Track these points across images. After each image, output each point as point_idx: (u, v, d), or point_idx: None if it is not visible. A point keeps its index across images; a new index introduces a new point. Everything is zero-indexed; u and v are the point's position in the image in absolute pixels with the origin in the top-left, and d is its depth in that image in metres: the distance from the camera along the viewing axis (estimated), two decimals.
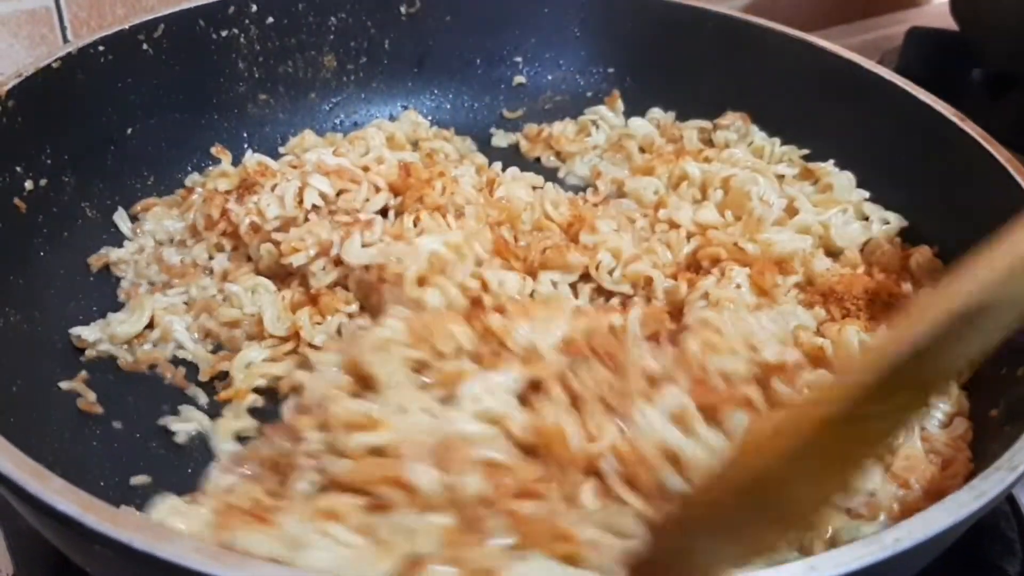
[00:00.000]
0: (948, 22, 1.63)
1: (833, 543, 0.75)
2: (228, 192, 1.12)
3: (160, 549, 0.56)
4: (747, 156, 1.21)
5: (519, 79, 1.43)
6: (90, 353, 0.98)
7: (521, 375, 0.77)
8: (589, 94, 1.43)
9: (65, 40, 1.33)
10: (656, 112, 1.36)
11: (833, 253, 1.09)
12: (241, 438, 0.89)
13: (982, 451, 0.83)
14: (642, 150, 1.29)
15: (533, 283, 1.00)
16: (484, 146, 1.36)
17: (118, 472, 0.87)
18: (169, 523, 0.68)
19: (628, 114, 1.38)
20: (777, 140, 1.26)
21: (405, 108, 1.38)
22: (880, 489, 0.80)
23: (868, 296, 0.98)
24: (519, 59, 1.43)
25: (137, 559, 0.57)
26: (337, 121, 1.36)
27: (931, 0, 2.13)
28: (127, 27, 1.15)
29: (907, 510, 0.78)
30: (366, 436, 0.71)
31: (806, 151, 1.24)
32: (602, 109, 1.37)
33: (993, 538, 0.90)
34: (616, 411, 0.73)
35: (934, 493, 0.76)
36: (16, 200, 1.01)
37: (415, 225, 1.02)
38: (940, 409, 0.91)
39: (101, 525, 0.57)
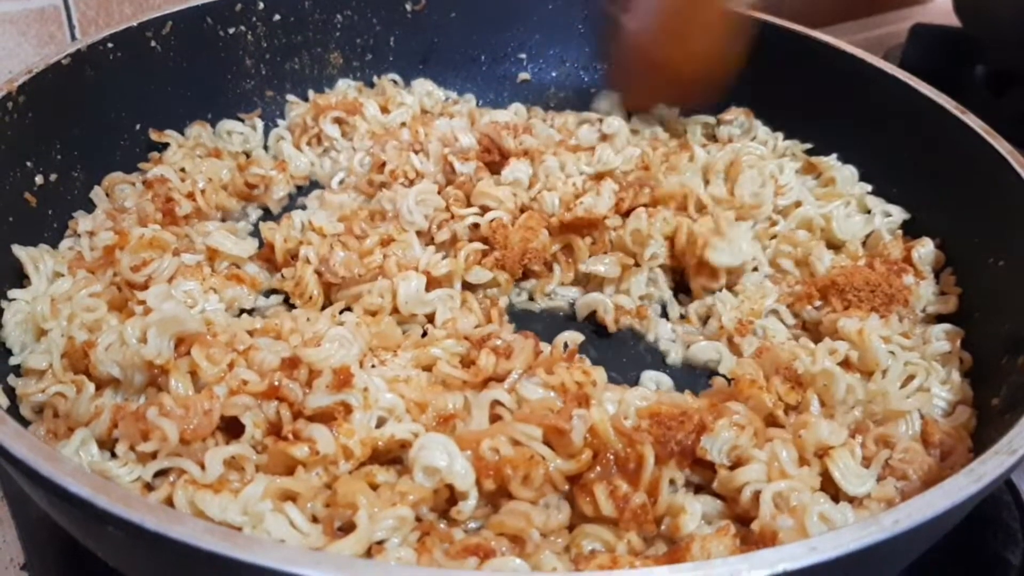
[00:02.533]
0: (951, 19, 1.63)
1: None
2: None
3: (171, 530, 0.57)
4: (752, 146, 1.22)
5: (523, 75, 1.45)
6: None
7: None
8: (593, 90, 1.43)
9: (73, 38, 1.35)
10: (660, 108, 1.37)
11: (835, 246, 1.10)
12: None
13: (983, 439, 0.84)
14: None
15: None
16: None
17: None
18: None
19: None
20: (780, 135, 1.27)
21: None
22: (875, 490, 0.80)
23: (869, 288, 0.99)
24: (523, 56, 1.44)
25: (149, 540, 0.58)
26: None
27: None
28: (135, 24, 1.16)
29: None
30: None
31: (809, 145, 1.25)
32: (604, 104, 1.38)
33: (995, 527, 0.91)
34: None
35: (932, 483, 0.77)
36: (27, 194, 1.02)
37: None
38: (943, 397, 0.91)
39: (113, 506, 0.58)
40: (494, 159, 1.16)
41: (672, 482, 0.77)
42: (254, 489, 0.72)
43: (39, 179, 1.04)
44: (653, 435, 0.77)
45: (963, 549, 0.87)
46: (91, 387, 0.83)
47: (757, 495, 0.75)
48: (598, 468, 0.76)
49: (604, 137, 1.25)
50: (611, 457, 0.76)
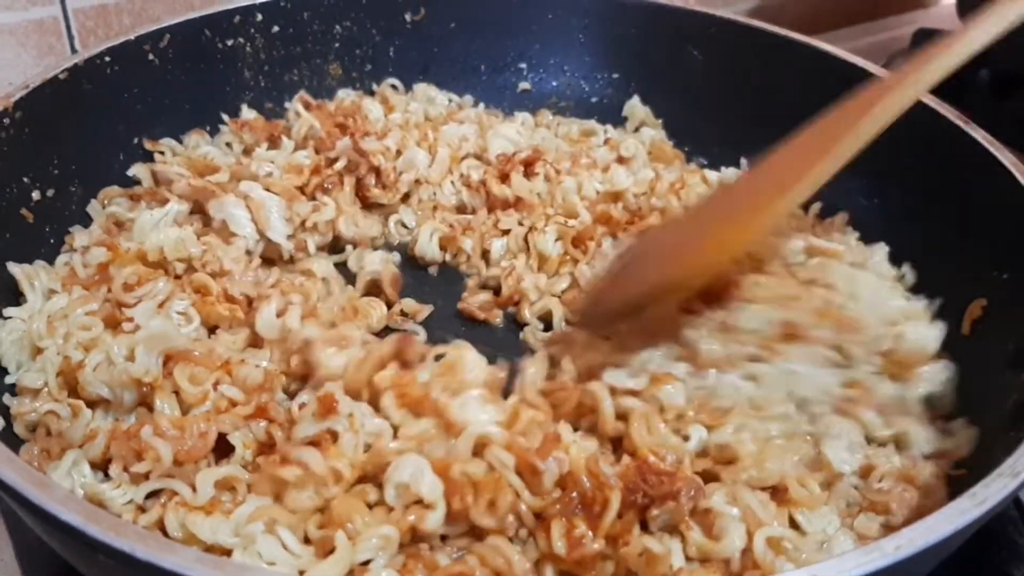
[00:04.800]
0: (955, 23, 1.62)
1: None
2: None
3: (162, 559, 0.57)
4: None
5: (524, 85, 1.44)
6: None
7: None
8: (594, 99, 1.43)
9: (73, 50, 1.34)
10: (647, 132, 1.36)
11: None
12: None
13: (985, 458, 0.83)
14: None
15: None
16: None
17: None
18: None
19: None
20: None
21: None
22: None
23: None
24: (523, 65, 1.44)
25: (139, 568, 0.57)
26: None
27: (938, 1, 2.12)
28: (132, 38, 1.15)
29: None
30: None
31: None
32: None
33: (1001, 544, 0.90)
34: None
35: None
36: (23, 210, 1.02)
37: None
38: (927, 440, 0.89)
39: (104, 535, 0.58)
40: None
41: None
42: (245, 510, 0.72)
43: (36, 195, 1.03)
44: (626, 482, 0.73)
45: (968, 565, 0.86)
46: (88, 412, 0.83)
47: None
48: (558, 505, 0.73)
49: (621, 160, 1.24)
50: (576, 496, 0.73)
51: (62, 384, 0.86)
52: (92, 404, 0.84)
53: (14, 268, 0.96)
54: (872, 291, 0.96)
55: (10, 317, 0.93)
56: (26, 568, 0.87)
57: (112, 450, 0.78)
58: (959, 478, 0.84)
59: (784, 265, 1.04)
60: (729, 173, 1.22)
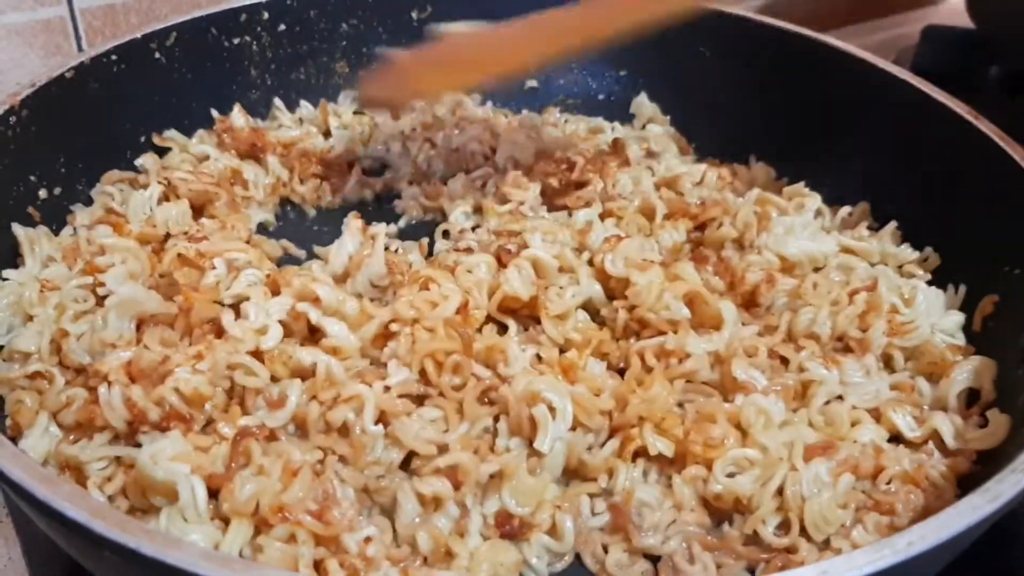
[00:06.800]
0: (964, 20, 1.61)
1: None
2: None
3: (168, 555, 0.56)
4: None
5: (531, 83, 1.43)
6: None
7: None
8: (601, 97, 1.42)
9: (80, 49, 1.34)
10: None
11: None
12: None
13: (999, 454, 0.82)
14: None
15: None
16: None
17: None
18: None
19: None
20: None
21: None
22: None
23: None
24: None
25: (145, 564, 0.57)
26: None
27: None
28: (139, 36, 1.16)
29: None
30: None
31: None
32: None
33: (1013, 543, 0.89)
34: None
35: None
36: (30, 209, 1.02)
37: None
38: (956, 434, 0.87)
39: (109, 531, 0.58)
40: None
41: None
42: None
43: (43, 193, 1.04)
44: None
45: (980, 564, 0.84)
46: (60, 379, 0.84)
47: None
48: None
49: (650, 154, 1.24)
50: None
51: (53, 350, 0.87)
52: (78, 374, 0.86)
53: (18, 230, 0.97)
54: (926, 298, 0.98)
55: (7, 280, 0.94)
56: (34, 565, 0.87)
57: (79, 416, 0.80)
58: (970, 477, 0.83)
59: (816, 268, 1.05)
60: (740, 170, 1.21)
